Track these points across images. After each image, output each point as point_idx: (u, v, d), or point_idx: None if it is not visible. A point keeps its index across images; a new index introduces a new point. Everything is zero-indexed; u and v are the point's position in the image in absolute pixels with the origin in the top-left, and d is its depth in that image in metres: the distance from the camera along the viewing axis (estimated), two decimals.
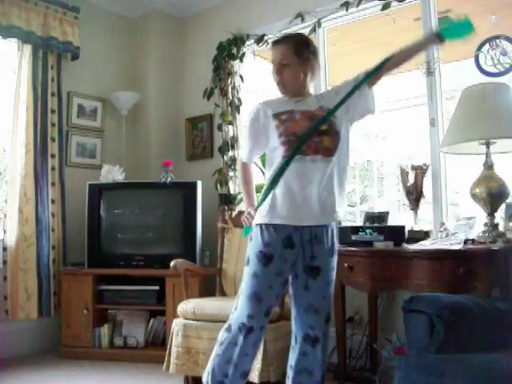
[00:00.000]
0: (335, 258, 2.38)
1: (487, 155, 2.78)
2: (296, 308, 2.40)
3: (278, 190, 2.29)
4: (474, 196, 2.80)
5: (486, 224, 2.76)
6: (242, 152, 2.61)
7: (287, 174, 2.27)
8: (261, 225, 2.30)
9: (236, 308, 2.36)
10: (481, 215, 2.86)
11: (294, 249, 2.29)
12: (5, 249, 3.86)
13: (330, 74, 4.04)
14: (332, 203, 2.30)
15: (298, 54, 2.34)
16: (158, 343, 3.92)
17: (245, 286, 2.32)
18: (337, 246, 2.41)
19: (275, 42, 2.42)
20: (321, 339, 2.36)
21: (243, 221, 2.44)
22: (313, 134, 2.27)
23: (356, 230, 3.05)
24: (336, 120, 2.33)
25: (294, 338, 2.42)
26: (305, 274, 2.33)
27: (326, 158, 2.27)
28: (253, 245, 2.32)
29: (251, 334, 2.29)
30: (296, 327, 2.41)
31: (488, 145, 2.76)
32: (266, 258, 2.26)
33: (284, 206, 2.27)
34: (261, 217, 2.32)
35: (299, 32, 2.43)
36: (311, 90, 2.49)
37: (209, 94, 4.46)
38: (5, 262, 3.85)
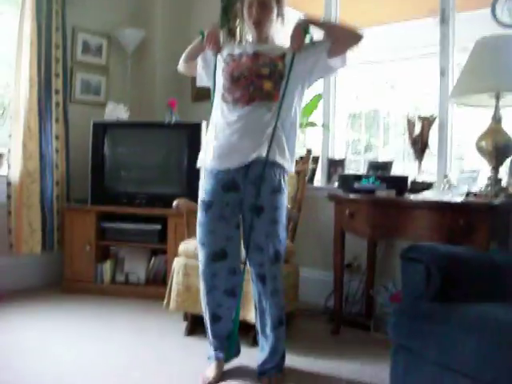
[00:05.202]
0: (281, 197, 2.37)
1: (496, 108, 2.75)
2: (245, 248, 2.44)
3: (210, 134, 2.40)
4: (479, 149, 2.78)
5: (489, 178, 2.76)
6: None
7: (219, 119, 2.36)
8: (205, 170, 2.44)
9: None
10: (485, 170, 2.86)
11: (239, 191, 2.35)
12: (9, 184, 3.88)
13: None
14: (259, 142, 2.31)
15: None
16: (158, 281, 3.99)
17: None
18: (284, 185, 2.39)
19: None
20: (268, 279, 2.38)
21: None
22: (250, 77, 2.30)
23: (359, 177, 3.06)
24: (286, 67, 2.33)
25: (251, 279, 2.49)
26: (250, 214, 2.36)
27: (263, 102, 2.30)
28: (199, 193, 2.44)
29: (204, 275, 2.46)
30: (250, 268, 2.45)
31: (498, 97, 2.72)
32: (205, 205, 2.39)
33: (216, 150, 2.35)
34: (200, 160, 2.46)
35: None
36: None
37: None
38: (9, 197, 3.88)
